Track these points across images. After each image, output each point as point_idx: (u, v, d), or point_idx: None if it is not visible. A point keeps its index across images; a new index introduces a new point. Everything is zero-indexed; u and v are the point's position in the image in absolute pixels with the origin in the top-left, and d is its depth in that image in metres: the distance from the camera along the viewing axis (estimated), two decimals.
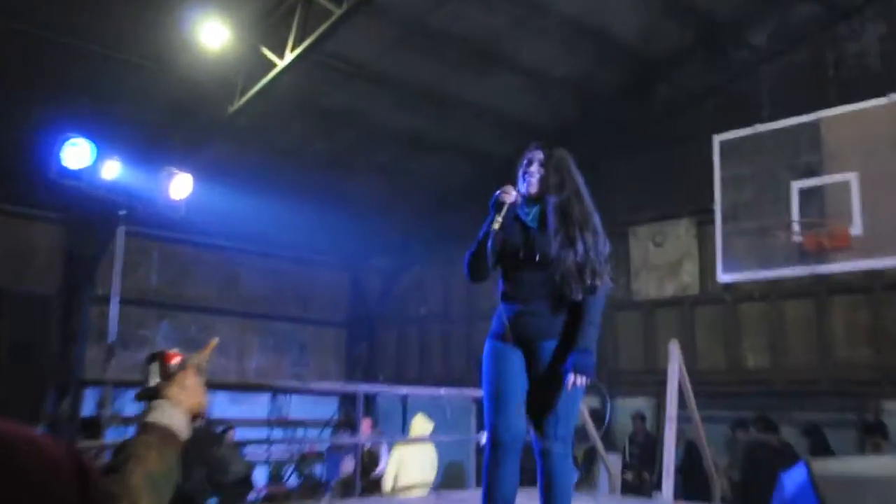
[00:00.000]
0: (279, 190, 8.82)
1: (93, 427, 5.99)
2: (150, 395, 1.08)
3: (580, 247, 2.37)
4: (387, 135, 8.59)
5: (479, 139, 8.82)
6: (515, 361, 2.40)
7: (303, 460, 9.34)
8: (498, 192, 2.44)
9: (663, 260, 8.90)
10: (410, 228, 10.86)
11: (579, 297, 2.31)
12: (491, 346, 2.45)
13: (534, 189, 2.44)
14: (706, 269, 8.42)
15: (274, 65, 6.43)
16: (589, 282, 2.35)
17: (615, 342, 9.03)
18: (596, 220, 2.47)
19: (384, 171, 9.38)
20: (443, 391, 6.28)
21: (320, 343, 11.20)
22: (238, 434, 7.93)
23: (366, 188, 9.65)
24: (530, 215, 2.47)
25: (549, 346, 2.37)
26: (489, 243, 2.40)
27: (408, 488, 5.88)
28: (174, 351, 1.16)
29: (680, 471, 6.24)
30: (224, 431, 7.62)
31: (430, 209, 10.41)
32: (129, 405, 6.81)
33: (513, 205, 2.45)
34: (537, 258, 2.37)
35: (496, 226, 2.36)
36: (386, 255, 11.34)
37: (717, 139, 6.48)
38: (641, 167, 9.05)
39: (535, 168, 2.50)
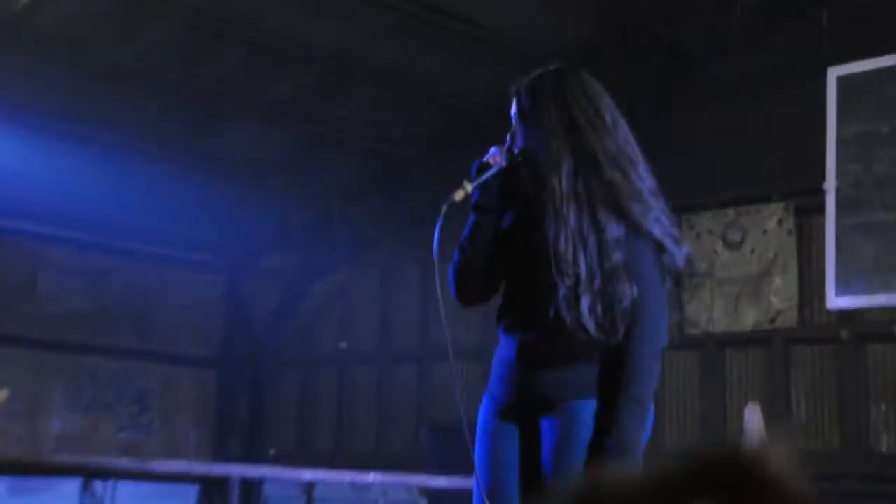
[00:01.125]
0: (107, 142, 9.08)
1: None
2: None
3: (585, 257, 2.42)
4: (297, 55, 8.83)
5: (450, 67, 9.09)
6: (524, 439, 2.51)
7: None
8: (490, 152, 2.60)
9: (740, 270, 8.91)
10: (329, 208, 11.02)
11: (584, 336, 2.38)
12: (486, 417, 2.56)
13: (499, 159, 2.57)
14: (809, 287, 8.57)
15: None
16: (604, 323, 2.40)
17: (659, 402, 8.92)
18: (641, 206, 2.52)
19: (287, 114, 9.56)
20: (374, 477, 6.49)
21: (172, 393, 11.23)
22: None
23: (256, 142, 9.92)
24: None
25: (577, 411, 2.42)
26: (476, 230, 2.56)
27: None
28: None
29: None
30: None
31: (364, 177, 10.69)
32: None
33: (504, 174, 2.56)
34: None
35: (458, 195, 2.48)
36: (286, 249, 11.46)
37: (834, 74, 6.27)
38: (705, 120, 9.19)
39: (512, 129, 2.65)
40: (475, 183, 2.54)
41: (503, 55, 8.61)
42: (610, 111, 2.59)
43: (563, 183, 2.45)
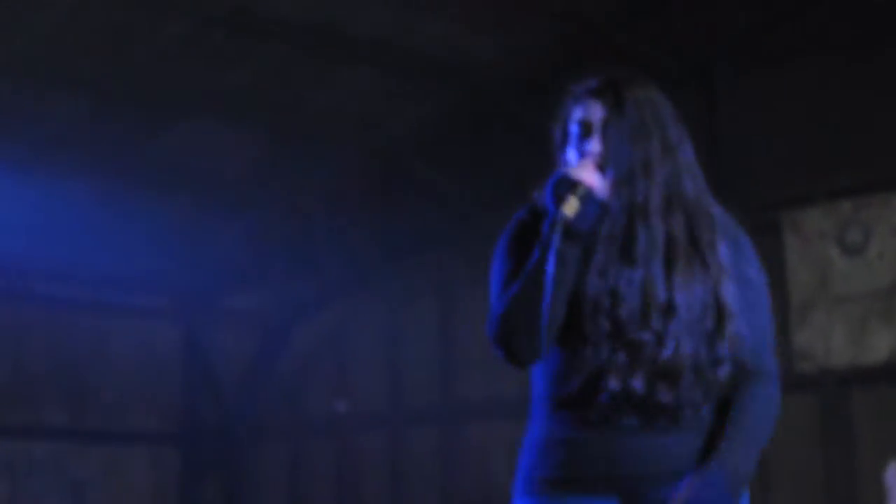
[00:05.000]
0: (16, 155, 9.29)
1: None
2: None
3: (702, 296, 2.70)
4: (258, 28, 8.82)
5: (455, 36, 9.06)
6: None
7: None
8: (566, 168, 2.75)
9: (865, 282, 8.93)
10: (312, 225, 11.11)
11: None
12: None
13: (593, 178, 2.72)
14: None
15: None
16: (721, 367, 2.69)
17: (763, 463, 8.59)
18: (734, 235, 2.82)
19: (250, 105, 9.64)
20: None
21: (119, 482, 11.26)
22: None
23: (211, 144, 10.04)
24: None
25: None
26: (551, 274, 2.69)
27: None
28: None
29: None
30: None
31: (354, 181, 10.83)
32: None
33: (592, 197, 2.71)
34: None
35: (568, 210, 2.65)
36: (260, 284, 11.67)
37: None
38: (804, 83, 9.17)
39: (593, 134, 2.79)
40: (581, 193, 2.66)
41: (531, 16, 8.62)
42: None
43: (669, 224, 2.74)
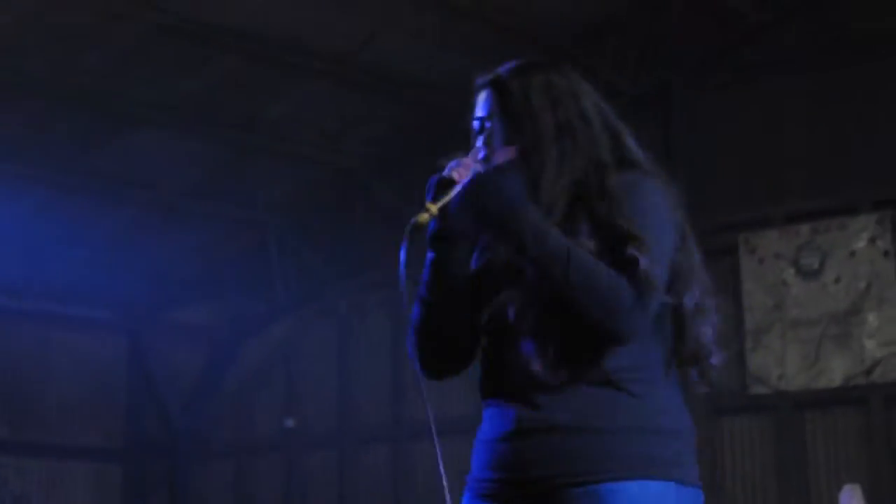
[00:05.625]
0: None
1: None
2: None
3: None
4: (213, 36, 8.78)
5: (416, 51, 9.14)
6: None
7: None
8: (451, 163, 2.70)
9: (820, 307, 9.04)
10: (263, 240, 11.16)
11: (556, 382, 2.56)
12: None
13: (464, 177, 2.64)
14: None
15: None
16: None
17: (719, 484, 9.04)
18: (655, 215, 2.63)
19: (203, 115, 9.55)
20: None
21: (60, 498, 11.19)
22: None
23: (161, 153, 10.03)
24: None
25: (602, 496, 2.51)
26: (448, 276, 2.70)
27: None
28: None
29: None
30: None
31: (307, 196, 10.90)
32: None
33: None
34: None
35: (421, 219, 2.59)
36: (208, 297, 11.71)
37: None
38: (763, 108, 9.24)
39: (484, 129, 2.77)
40: (439, 204, 2.62)
41: (491, 33, 8.67)
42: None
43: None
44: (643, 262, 2.51)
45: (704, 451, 8.70)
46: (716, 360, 2.66)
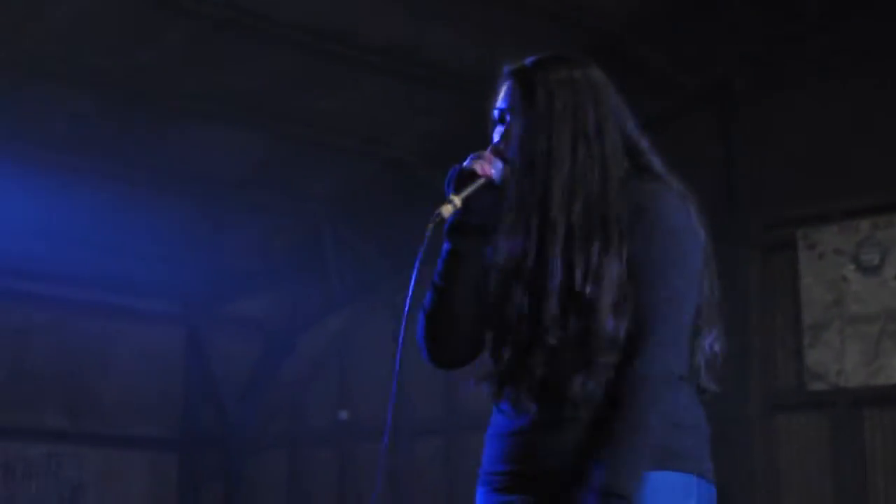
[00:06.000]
0: (13, 154, 9.29)
1: None
2: None
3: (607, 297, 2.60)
4: (269, 32, 8.76)
5: (467, 43, 9.04)
6: None
7: None
8: (467, 160, 2.73)
9: (880, 302, 8.87)
10: (318, 232, 11.16)
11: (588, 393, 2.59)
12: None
13: (488, 168, 2.70)
14: None
15: None
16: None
17: (772, 482, 8.98)
18: (672, 221, 2.66)
19: (258, 110, 9.67)
20: None
21: (117, 487, 11.25)
22: None
23: (218, 148, 10.03)
24: None
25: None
26: (440, 275, 2.74)
27: None
28: None
29: None
30: None
31: (363, 189, 10.85)
32: None
33: (495, 189, 2.69)
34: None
35: (444, 211, 2.63)
36: (264, 290, 11.68)
37: None
38: (823, 100, 9.10)
39: (500, 125, 2.78)
40: (463, 194, 2.63)
41: (544, 25, 8.65)
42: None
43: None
44: (664, 360, 2.55)
45: (760, 446, 8.98)
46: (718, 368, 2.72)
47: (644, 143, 2.76)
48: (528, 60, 2.80)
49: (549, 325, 2.58)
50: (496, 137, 2.75)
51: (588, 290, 2.56)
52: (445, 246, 2.70)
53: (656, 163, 2.75)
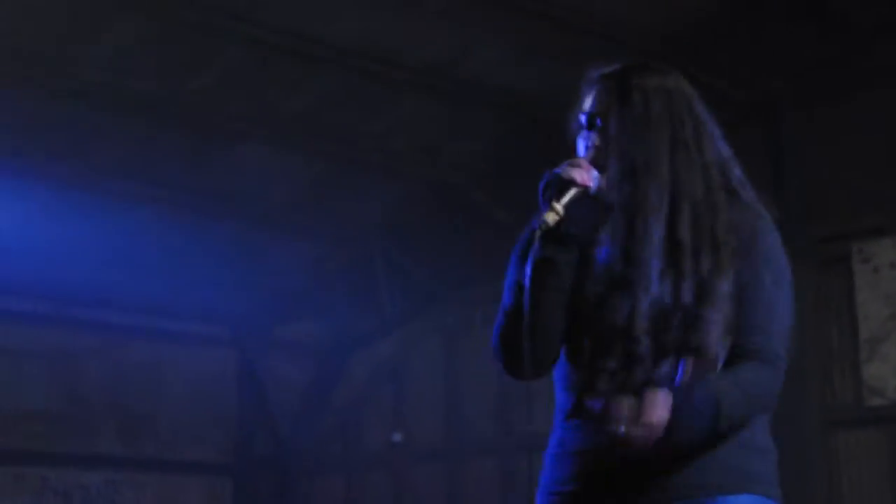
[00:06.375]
0: (64, 179, 9.34)
1: None
2: None
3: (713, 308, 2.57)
4: (315, 53, 8.81)
5: (513, 61, 9.08)
6: None
7: None
8: (560, 167, 2.68)
9: None
10: (369, 254, 11.16)
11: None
12: None
13: (586, 177, 2.66)
14: None
15: None
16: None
17: (826, 499, 8.91)
18: (768, 241, 2.69)
19: (306, 131, 9.66)
20: None
21: None
22: None
23: (266, 170, 10.09)
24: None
25: None
26: (545, 282, 2.68)
27: None
28: None
29: None
30: None
31: (414, 210, 10.87)
32: None
33: (592, 197, 2.66)
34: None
35: (549, 219, 2.59)
36: (315, 313, 11.71)
37: None
38: (872, 115, 8.99)
39: (596, 126, 2.74)
40: (564, 201, 2.59)
41: (589, 42, 8.62)
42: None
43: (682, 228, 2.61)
44: (780, 358, 2.60)
45: (819, 464, 8.86)
46: None
47: (733, 160, 2.74)
48: (616, 67, 2.75)
49: (642, 337, 2.55)
50: (582, 143, 2.73)
51: (695, 305, 2.55)
52: (539, 254, 2.65)
53: (746, 182, 2.73)
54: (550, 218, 2.58)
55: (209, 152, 9.68)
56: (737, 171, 2.72)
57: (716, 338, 2.53)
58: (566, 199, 2.60)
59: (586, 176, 2.63)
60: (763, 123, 9.11)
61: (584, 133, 2.73)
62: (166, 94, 8.99)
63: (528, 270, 2.67)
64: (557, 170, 2.65)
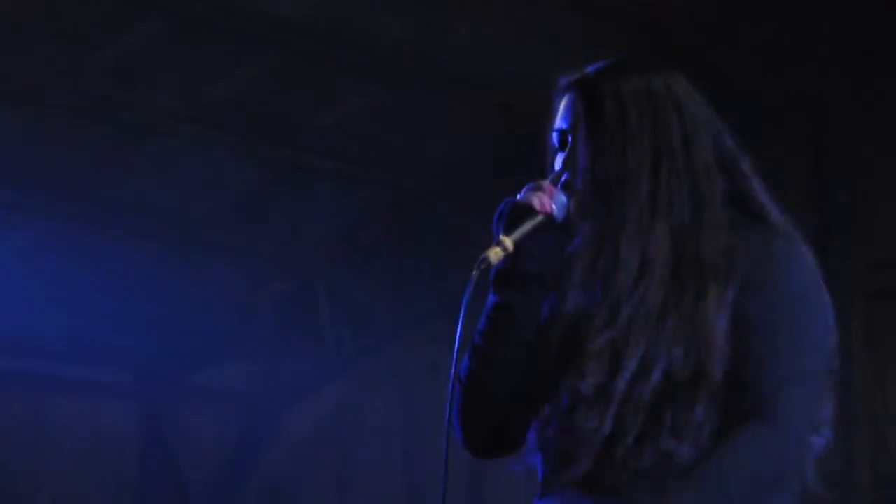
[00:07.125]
0: None
1: None
2: None
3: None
4: (246, 30, 8.88)
5: (495, 47, 9.16)
6: None
7: None
8: (524, 189, 2.78)
9: None
10: (309, 282, 11.25)
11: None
12: None
13: (547, 202, 2.73)
14: None
15: None
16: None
17: None
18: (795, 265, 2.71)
19: (234, 126, 9.71)
20: None
21: None
22: None
23: (182, 175, 10.01)
24: None
25: None
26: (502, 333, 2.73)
27: None
28: None
29: None
30: None
31: (365, 227, 10.93)
32: None
33: (557, 227, 2.73)
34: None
35: (492, 257, 2.66)
36: (242, 355, 11.77)
37: None
38: None
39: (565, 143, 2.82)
40: (516, 235, 2.64)
41: (594, 23, 8.72)
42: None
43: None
44: (795, 413, 2.54)
45: None
46: None
47: (745, 165, 2.76)
48: (592, 68, 2.81)
49: (622, 403, 2.56)
50: (558, 166, 2.76)
51: (682, 364, 2.54)
52: (491, 299, 2.69)
53: (760, 193, 2.76)
54: (493, 255, 2.62)
55: (109, 153, 9.60)
56: (751, 181, 2.75)
57: (702, 414, 2.53)
58: (522, 230, 2.65)
59: (548, 201, 2.69)
60: (805, 125, 9.21)
61: (558, 154, 2.80)
62: (55, 78, 8.94)
63: (480, 323, 2.70)
64: (517, 197, 2.72)
